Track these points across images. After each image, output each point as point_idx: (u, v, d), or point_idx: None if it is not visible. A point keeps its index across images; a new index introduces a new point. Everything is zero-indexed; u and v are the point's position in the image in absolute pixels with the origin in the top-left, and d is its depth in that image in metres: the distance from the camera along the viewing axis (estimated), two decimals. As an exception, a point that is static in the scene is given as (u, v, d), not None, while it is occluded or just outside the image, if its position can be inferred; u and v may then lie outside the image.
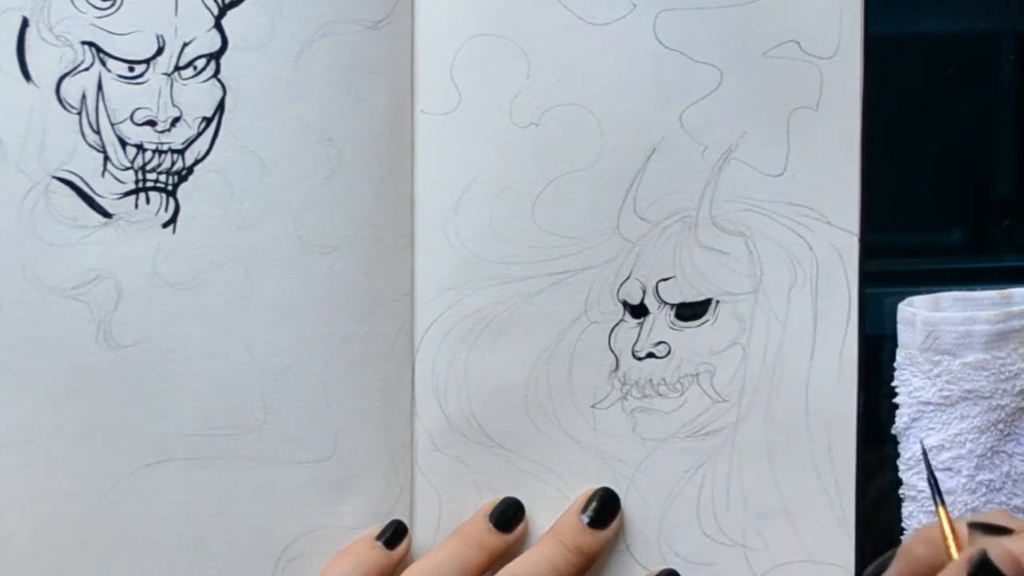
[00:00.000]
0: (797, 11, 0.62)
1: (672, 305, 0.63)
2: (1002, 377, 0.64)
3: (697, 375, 0.63)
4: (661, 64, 0.62)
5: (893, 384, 0.65)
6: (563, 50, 0.62)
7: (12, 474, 0.59)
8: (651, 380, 0.63)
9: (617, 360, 0.63)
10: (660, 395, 0.63)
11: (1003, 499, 0.64)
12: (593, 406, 0.63)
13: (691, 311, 0.63)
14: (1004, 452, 0.64)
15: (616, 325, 0.63)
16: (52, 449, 0.59)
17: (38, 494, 0.59)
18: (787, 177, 0.63)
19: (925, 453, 0.63)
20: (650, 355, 0.63)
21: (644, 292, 0.63)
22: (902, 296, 0.65)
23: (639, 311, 0.63)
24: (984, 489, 0.64)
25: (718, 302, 0.63)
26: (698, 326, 0.63)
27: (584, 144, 0.62)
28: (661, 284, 0.63)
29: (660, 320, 0.63)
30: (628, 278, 0.63)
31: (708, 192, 0.63)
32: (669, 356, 0.63)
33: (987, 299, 0.65)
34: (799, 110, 0.63)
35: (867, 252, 0.63)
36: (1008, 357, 0.64)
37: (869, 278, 0.63)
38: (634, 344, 0.63)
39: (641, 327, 0.63)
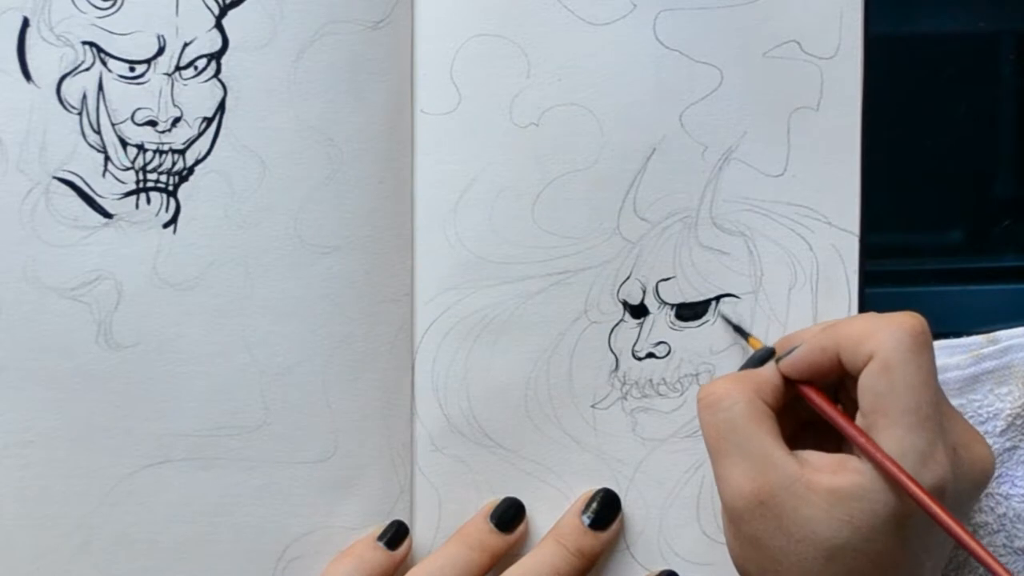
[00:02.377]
0: (797, 11, 0.62)
1: (672, 305, 0.63)
2: (980, 420, 0.63)
3: (697, 375, 0.63)
4: (661, 64, 0.62)
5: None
6: (563, 50, 0.62)
7: (12, 474, 0.59)
8: (651, 380, 0.63)
9: (617, 360, 0.63)
10: (660, 395, 0.63)
11: (1003, 541, 0.63)
12: (593, 406, 0.63)
13: (691, 311, 0.63)
14: (998, 495, 0.64)
15: (616, 325, 0.63)
16: (52, 450, 0.59)
17: (38, 494, 0.59)
18: (787, 177, 0.63)
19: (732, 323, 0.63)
20: (650, 355, 0.63)
21: (644, 292, 0.63)
22: (902, 296, 0.65)
23: (639, 311, 0.63)
24: (981, 532, 0.63)
25: (718, 302, 0.63)
26: (698, 326, 0.63)
27: (584, 144, 0.62)
28: (661, 284, 0.63)
29: (660, 320, 0.63)
30: (628, 278, 0.63)
31: (708, 192, 0.63)
32: (669, 356, 0.63)
33: (974, 344, 0.64)
34: (799, 110, 0.63)
35: (867, 252, 0.63)
36: (984, 399, 0.63)
37: (869, 278, 0.63)
38: (634, 344, 0.63)
39: (641, 327, 0.63)
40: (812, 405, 0.57)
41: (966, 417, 0.59)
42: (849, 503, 0.53)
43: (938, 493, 0.53)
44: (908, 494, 0.52)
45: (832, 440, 0.58)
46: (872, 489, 0.53)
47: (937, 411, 0.54)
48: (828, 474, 0.54)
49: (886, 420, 0.54)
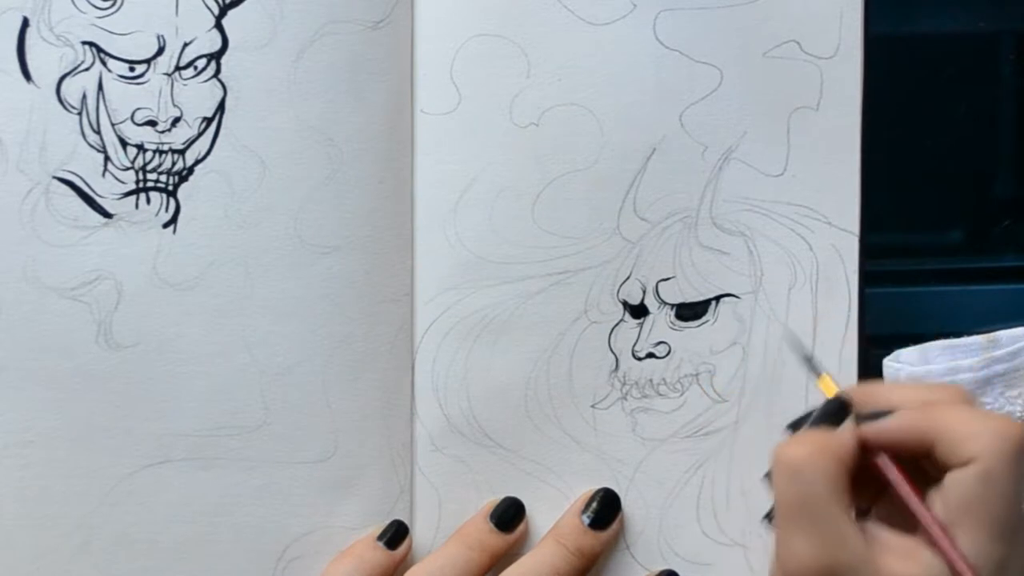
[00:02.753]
0: (797, 11, 0.62)
1: (672, 305, 0.63)
2: None
3: (697, 375, 0.63)
4: (661, 64, 0.62)
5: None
6: (563, 50, 0.62)
7: (12, 474, 0.59)
8: (651, 380, 0.63)
9: (617, 360, 0.63)
10: (660, 395, 0.63)
11: None
12: (593, 406, 0.63)
13: (691, 311, 0.63)
14: None
15: (616, 325, 0.63)
16: (52, 450, 0.59)
17: (38, 494, 0.59)
18: (787, 177, 0.63)
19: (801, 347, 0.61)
20: (650, 355, 0.63)
21: (644, 292, 0.63)
22: (902, 296, 0.65)
23: (639, 311, 0.63)
24: None
25: (718, 302, 0.63)
26: (698, 326, 0.63)
27: (584, 144, 0.62)
28: (661, 284, 0.63)
29: (660, 320, 0.63)
30: (628, 278, 0.63)
31: (708, 192, 0.63)
32: (669, 356, 0.63)
33: (974, 344, 0.64)
34: (799, 110, 0.63)
35: (867, 252, 0.63)
36: (995, 402, 0.63)
37: (869, 278, 0.63)
38: (634, 344, 0.63)
39: (641, 327, 0.63)
40: (891, 485, 0.55)
41: None
42: None
43: None
44: None
45: (875, 491, 0.56)
46: None
47: (1018, 515, 0.54)
48: (899, 560, 0.53)
49: (971, 522, 0.52)
